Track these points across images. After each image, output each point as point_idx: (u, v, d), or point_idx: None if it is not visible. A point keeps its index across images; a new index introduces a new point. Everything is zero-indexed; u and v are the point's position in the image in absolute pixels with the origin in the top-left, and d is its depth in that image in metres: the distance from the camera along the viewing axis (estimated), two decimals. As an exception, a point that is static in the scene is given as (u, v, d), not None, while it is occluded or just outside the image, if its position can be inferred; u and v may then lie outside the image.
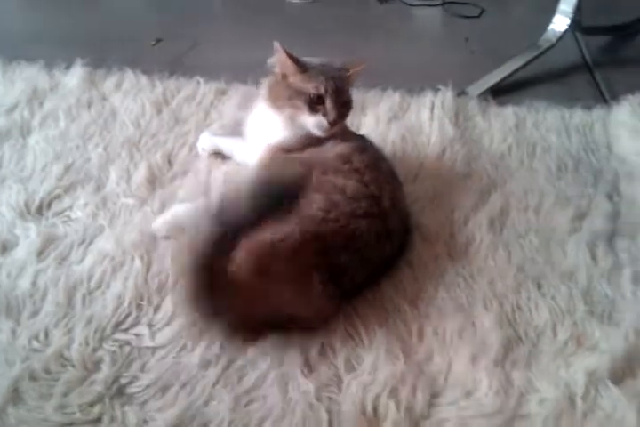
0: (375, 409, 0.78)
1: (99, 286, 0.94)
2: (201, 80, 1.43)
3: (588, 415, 0.78)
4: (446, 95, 1.40)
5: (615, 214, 1.10)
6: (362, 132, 1.28)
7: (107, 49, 1.57)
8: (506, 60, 1.55)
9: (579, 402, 0.79)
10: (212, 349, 0.85)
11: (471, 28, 1.82)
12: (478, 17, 1.88)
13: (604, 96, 1.48)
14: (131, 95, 1.38)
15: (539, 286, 0.96)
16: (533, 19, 1.67)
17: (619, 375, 0.82)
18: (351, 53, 1.65)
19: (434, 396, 0.81)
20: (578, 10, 1.57)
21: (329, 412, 0.78)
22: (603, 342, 0.87)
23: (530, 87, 1.53)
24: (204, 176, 1.15)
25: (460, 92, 1.44)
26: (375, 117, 1.33)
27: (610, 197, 1.14)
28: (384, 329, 0.88)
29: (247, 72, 1.45)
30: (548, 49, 1.57)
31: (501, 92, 1.49)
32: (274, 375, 0.81)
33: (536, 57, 1.55)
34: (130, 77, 1.44)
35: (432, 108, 1.37)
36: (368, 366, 0.83)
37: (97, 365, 0.83)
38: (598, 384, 0.81)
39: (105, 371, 0.82)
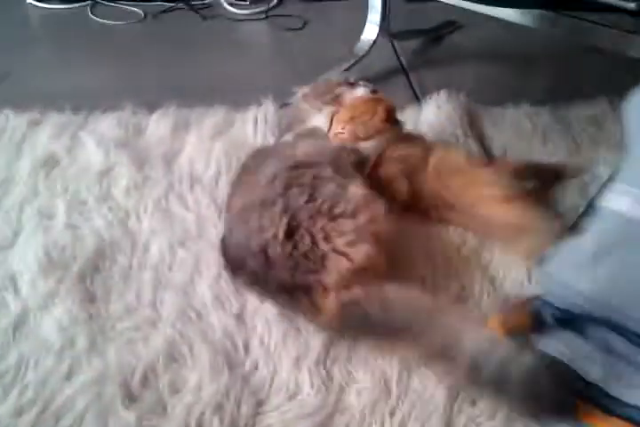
0: (200, 428, 0.80)
1: None
2: (11, 113, 1.38)
3: (402, 398, 0.84)
4: (269, 108, 1.45)
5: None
6: (186, 151, 1.31)
7: None
8: (327, 70, 1.64)
9: (393, 387, 0.86)
10: (26, 395, 0.82)
11: (295, 40, 1.91)
12: (302, 28, 1.97)
13: (418, 96, 1.61)
14: None
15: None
16: (355, 27, 1.77)
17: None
18: (177, 71, 1.69)
19: (259, 404, 0.83)
20: (385, 18, 1.70)
21: (152, 440, 0.78)
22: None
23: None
24: (15, 214, 1.11)
25: (283, 105, 1.50)
26: (199, 135, 1.35)
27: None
28: (209, 347, 0.90)
29: (64, 99, 1.43)
30: (363, 57, 1.68)
31: (324, 101, 1.57)
32: (92, 413, 0.80)
33: (353, 65, 1.66)
34: None
35: (256, 122, 1.41)
36: (192, 387, 0.85)
37: None
38: (410, 368, 0.88)
39: None
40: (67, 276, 0.99)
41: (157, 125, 1.36)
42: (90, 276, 1.00)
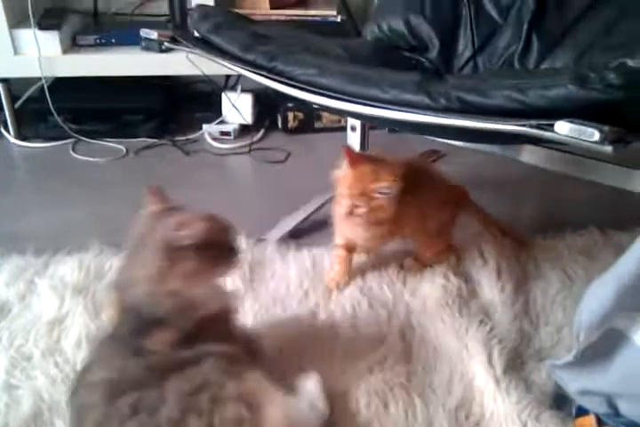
0: None
1: None
2: (-32, 259, 1.36)
3: None
4: (241, 243, 1.43)
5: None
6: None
7: None
8: (307, 202, 1.65)
9: None
10: None
11: (278, 173, 1.95)
12: (284, 161, 2.02)
13: (400, 228, 1.60)
14: None
15: None
16: (337, 158, 1.80)
17: None
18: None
19: None
20: (364, 149, 1.74)
21: None
22: None
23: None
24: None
25: (259, 239, 1.49)
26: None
27: (403, 336, 1.17)
28: None
29: (30, 240, 1.42)
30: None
31: (302, 234, 1.56)
32: None
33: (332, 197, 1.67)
34: None
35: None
36: None
37: None
38: None
39: None
40: (-8, 451, 0.90)
41: (121, 267, 1.32)
42: (19, 450, 0.91)
